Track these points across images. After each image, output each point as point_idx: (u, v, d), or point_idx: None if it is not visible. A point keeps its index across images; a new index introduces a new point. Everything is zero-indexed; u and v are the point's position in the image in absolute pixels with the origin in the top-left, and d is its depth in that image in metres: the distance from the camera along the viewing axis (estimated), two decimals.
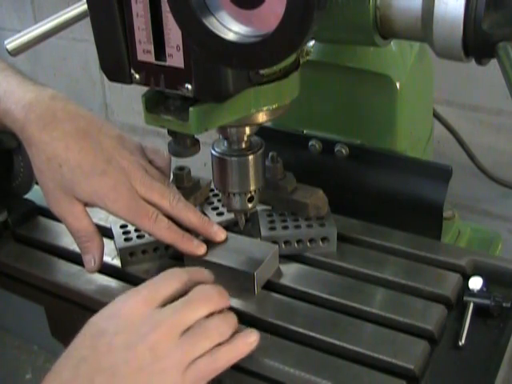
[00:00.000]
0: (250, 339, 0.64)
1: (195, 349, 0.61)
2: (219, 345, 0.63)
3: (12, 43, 0.82)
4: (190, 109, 0.63)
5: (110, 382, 0.59)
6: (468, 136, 1.14)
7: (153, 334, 0.60)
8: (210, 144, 0.75)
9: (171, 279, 0.66)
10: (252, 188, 0.75)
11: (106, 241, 0.77)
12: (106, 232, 0.81)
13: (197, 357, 0.61)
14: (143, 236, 0.79)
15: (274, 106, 0.68)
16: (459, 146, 1.14)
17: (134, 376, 0.59)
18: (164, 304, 0.63)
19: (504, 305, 0.70)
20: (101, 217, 0.83)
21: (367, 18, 0.65)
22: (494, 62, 0.61)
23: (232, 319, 0.65)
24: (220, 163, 0.75)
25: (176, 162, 0.80)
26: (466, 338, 0.68)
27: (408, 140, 0.88)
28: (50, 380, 0.60)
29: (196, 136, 0.69)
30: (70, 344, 0.62)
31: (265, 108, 0.68)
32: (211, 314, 0.65)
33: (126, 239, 0.79)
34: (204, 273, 0.70)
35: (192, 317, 0.63)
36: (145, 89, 0.66)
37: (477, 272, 0.75)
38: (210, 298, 0.65)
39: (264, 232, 0.79)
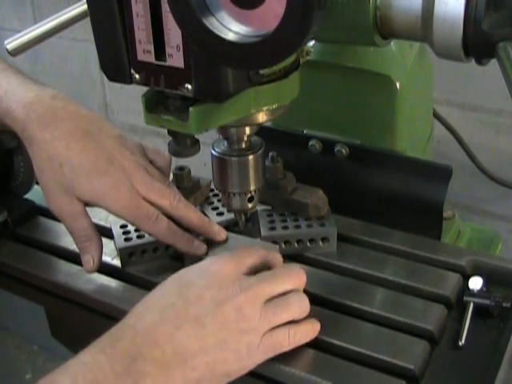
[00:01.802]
0: (317, 326, 0.68)
1: (275, 318, 0.64)
2: (294, 322, 0.66)
3: (12, 43, 0.82)
4: (190, 109, 0.63)
5: (195, 330, 0.61)
6: (468, 136, 1.14)
7: (240, 297, 0.63)
8: (210, 144, 0.75)
9: (253, 254, 0.69)
10: (252, 188, 0.75)
11: (105, 241, 0.77)
12: (105, 232, 0.81)
13: (275, 326, 0.64)
14: (143, 236, 0.79)
15: (274, 106, 0.68)
16: (459, 146, 1.14)
17: (219, 330, 0.62)
18: (249, 274, 0.66)
19: (504, 305, 0.70)
20: (101, 217, 0.83)
21: (367, 18, 0.65)
22: (493, 62, 0.61)
23: (307, 300, 0.68)
24: (220, 163, 0.75)
25: (176, 162, 0.80)
26: (466, 338, 0.68)
27: (408, 140, 0.88)
28: (135, 320, 0.61)
29: (196, 136, 0.69)
30: (151, 292, 0.64)
31: (265, 108, 0.68)
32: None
33: (126, 239, 0.79)
34: (278, 255, 0.72)
35: (276, 289, 0.66)
36: (145, 89, 0.66)
37: (477, 272, 0.75)
38: (295, 275, 0.68)
39: (264, 232, 0.79)
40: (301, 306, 0.67)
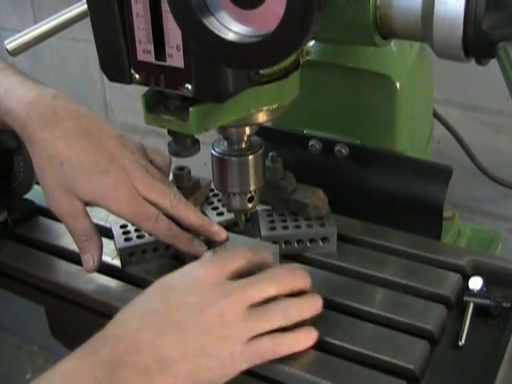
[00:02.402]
0: (312, 336, 0.66)
1: (257, 326, 0.63)
2: (284, 330, 0.64)
3: (12, 43, 0.82)
4: (190, 109, 0.63)
5: (177, 337, 0.60)
6: (468, 136, 1.14)
7: (222, 302, 0.62)
8: (210, 144, 0.75)
9: (239, 257, 0.68)
10: (252, 188, 0.75)
11: (105, 241, 0.77)
12: (105, 232, 0.81)
13: (260, 334, 0.63)
14: (143, 236, 0.79)
15: (274, 106, 0.68)
16: (459, 146, 1.14)
17: (200, 337, 0.61)
18: (233, 278, 0.65)
19: (504, 305, 0.70)
20: (101, 217, 0.83)
21: (367, 18, 0.65)
22: (493, 62, 0.61)
23: (310, 304, 0.67)
24: (220, 163, 0.75)
25: (176, 162, 0.80)
26: (466, 338, 0.68)
27: (408, 140, 0.88)
28: (113, 329, 0.61)
29: (196, 136, 0.69)
30: (135, 298, 0.64)
31: (265, 108, 0.68)
32: (297, 295, 0.67)
33: (126, 239, 0.79)
34: (267, 256, 0.71)
35: (260, 294, 0.64)
36: (145, 89, 0.66)
37: (477, 272, 0.75)
38: (280, 279, 0.66)
39: (264, 232, 0.79)
40: (285, 314, 0.64)
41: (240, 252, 0.69)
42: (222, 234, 0.76)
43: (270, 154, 0.81)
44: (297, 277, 0.68)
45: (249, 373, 0.65)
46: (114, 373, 0.58)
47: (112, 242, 0.80)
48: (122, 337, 0.60)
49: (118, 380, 0.58)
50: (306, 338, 0.65)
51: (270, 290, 0.65)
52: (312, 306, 0.67)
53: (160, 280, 0.66)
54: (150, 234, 0.76)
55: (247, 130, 0.73)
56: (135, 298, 0.64)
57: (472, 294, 0.72)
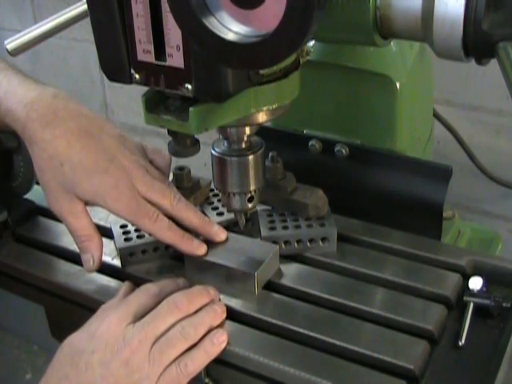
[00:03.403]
0: (218, 340, 0.67)
1: (163, 359, 0.65)
2: (190, 348, 0.66)
3: (12, 43, 0.82)
4: (190, 109, 0.63)
5: None
6: (468, 136, 1.14)
7: (125, 351, 0.64)
8: (210, 144, 0.75)
9: (140, 295, 0.70)
10: (252, 188, 0.75)
11: (105, 241, 0.77)
12: (105, 232, 0.81)
13: (167, 365, 0.65)
14: (143, 236, 0.79)
15: (273, 106, 0.68)
16: (459, 146, 1.14)
17: None
18: (136, 319, 0.67)
19: (504, 305, 0.70)
20: (101, 217, 0.83)
21: (367, 18, 0.65)
22: (493, 62, 0.61)
23: (204, 318, 0.68)
24: (220, 163, 0.75)
25: (176, 162, 0.80)
26: (466, 338, 0.68)
27: (408, 140, 0.88)
28: None
29: (196, 136, 0.69)
30: (50, 362, 0.66)
31: (265, 108, 0.68)
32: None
33: (126, 239, 0.79)
34: (177, 282, 0.73)
35: (160, 328, 0.66)
36: (145, 89, 0.66)
37: (477, 272, 0.75)
38: (177, 305, 0.68)
39: (264, 232, 0.79)
40: (184, 334, 0.66)
41: (145, 290, 0.70)
42: (221, 234, 0.77)
43: (270, 154, 0.81)
44: (193, 297, 0.69)
45: (249, 372, 0.65)
46: None
47: (112, 241, 0.80)
48: None
49: None
50: (213, 345, 0.67)
51: (169, 320, 0.67)
52: (208, 316, 0.68)
53: (68, 342, 0.67)
54: (150, 234, 0.76)
55: (247, 129, 0.73)
56: (50, 363, 0.66)
57: (472, 294, 0.72)
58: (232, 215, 0.81)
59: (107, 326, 0.66)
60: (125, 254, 0.78)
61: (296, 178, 0.82)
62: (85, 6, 0.82)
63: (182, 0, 0.53)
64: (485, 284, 0.72)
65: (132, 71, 0.64)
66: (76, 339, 0.67)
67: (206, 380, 0.69)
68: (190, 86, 0.61)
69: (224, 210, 0.84)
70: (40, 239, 0.85)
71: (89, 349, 0.65)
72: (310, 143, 0.90)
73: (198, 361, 0.66)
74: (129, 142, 0.77)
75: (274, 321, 0.70)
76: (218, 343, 0.67)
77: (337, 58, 0.84)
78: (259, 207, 0.81)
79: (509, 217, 1.27)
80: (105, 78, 0.66)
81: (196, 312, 0.69)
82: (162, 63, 0.62)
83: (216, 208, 0.85)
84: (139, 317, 0.67)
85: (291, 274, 0.77)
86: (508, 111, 1.18)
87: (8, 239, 0.87)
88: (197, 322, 0.67)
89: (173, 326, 0.67)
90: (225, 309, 0.70)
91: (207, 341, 0.67)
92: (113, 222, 0.81)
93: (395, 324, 0.69)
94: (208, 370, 0.68)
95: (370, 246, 0.81)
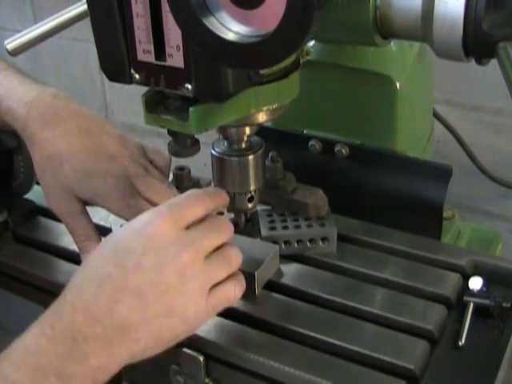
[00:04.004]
0: (242, 277, 0.67)
1: (217, 274, 0.63)
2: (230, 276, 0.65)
3: (12, 43, 0.82)
4: (190, 109, 0.63)
5: (135, 302, 0.59)
6: (468, 136, 1.14)
7: (181, 257, 0.60)
8: (210, 144, 0.75)
9: (197, 204, 0.65)
10: (252, 188, 0.75)
11: None
12: (106, 232, 0.80)
13: (217, 283, 0.63)
14: None
15: (274, 106, 0.68)
16: (459, 146, 1.14)
17: (162, 298, 0.59)
18: (188, 226, 0.63)
19: (504, 305, 0.70)
20: (101, 217, 0.83)
21: (367, 18, 0.65)
22: (493, 61, 0.61)
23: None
24: (220, 163, 0.75)
25: (176, 162, 0.80)
26: (466, 338, 0.68)
27: (408, 140, 0.88)
28: (73, 295, 0.59)
29: (196, 136, 0.69)
30: (89, 259, 0.62)
31: (265, 108, 0.68)
32: None
33: None
34: (223, 196, 0.71)
35: (215, 242, 0.64)
36: (145, 89, 0.66)
37: (477, 272, 0.75)
38: (227, 226, 0.66)
39: (264, 232, 0.79)
40: (237, 259, 0.65)
41: (201, 201, 0.65)
42: None
43: (270, 154, 0.81)
44: (231, 225, 0.67)
45: (248, 372, 0.65)
46: (74, 346, 0.56)
47: None
48: (78, 307, 0.58)
49: (80, 353, 0.56)
50: (243, 281, 0.66)
51: (222, 238, 0.64)
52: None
53: (111, 238, 0.63)
54: None
55: (247, 129, 0.73)
56: (88, 258, 0.62)
57: (472, 294, 0.72)
58: (232, 215, 0.81)
59: (159, 227, 0.61)
60: None
61: (296, 178, 0.82)
62: (85, 6, 0.82)
63: (182, 0, 0.53)
64: (485, 284, 0.72)
65: (132, 71, 0.64)
66: (120, 236, 0.63)
67: (206, 380, 0.69)
68: (190, 86, 0.61)
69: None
70: (40, 239, 0.85)
71: (138, 249, 0.60)
72: (310, 143, 0.90)
73: (240, 288, 0.65)
74: (128, 141, 0.77)
75: (274, 321, 0.70)
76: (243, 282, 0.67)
77: (337, 58, 0.84)
78: (259, 207, 0.81)
79: (509, 217, 1.27)
80: (105, 78, 0.66)
81: None
82: (162, 63, 0.62)
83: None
84: (188, 223, 0.63)
85: (291, 273, 0.77)
86: (508, 111, 1.18)
87: (8, 239, 0.87)
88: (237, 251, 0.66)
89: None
90: None
91: (239, 275, 0.66)
92: (113, 222, 0.81)
93: (395, 324, 0.69)
94: (208, 369, 0.68)
95: (370, 246, 0.81)
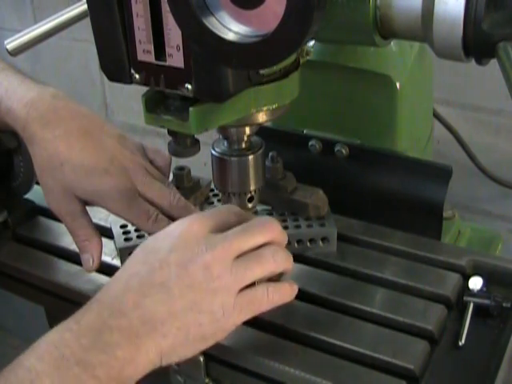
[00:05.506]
0: (294, 286, 0.65)
1: (248, 273, 0.61)
2: (269, 280, 0.63)
3: (12, 43, 0.82)
4: (190, 109, 0.63)
5: (162, 295, 0.59)
6: (468, 136, 1.14)
7: (207, 255, 0.60)
8: (210, 144, 0.75)
9: (230, 213, 0.66)
10: (252, 188, 0.75)
11: (105, 241, 0.77)
12: (105, 232, 0.81)
13: (248, 284, 0.62)
14: (143, 236, 0.79)
15: (273, 106, 0.68)
16: (459, 146, 1.14)
17: (186, 293, 0.59)
18: (216, 232, 0.63)
19: (504, 305, 0.70)
20: (101, 217, 0.83)
21: (367, 18, 0.65)
22: (493, 62, 0.61)
23: (288, 253, 0.65)
24: (220, 163, 0.75)
25: (176, 162, 0.80)
26: (466, 338, 0.68)
27: (408, 140, 0.88)
28: (101, 293, 0.61)
29: (196, 136, 0.69)
30: (121, 267, 0.63)
31: (265, 108, 0.68)
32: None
33: (126, 239, 0.79)
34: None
35: (247, 243, 0.62)
36: (145, 89, 0.66)
37: (477, 272, 0.75)
38: (268, 227, 0.64)
39: None
40: (275, 258, 0.63)
41: (230, 208, 0.67)
42: None
43: (270, 154, 0.81)
44: (277, 226, 0.65)
45: (249, 372, 0.65)
46: (99, 338, 0.57)
47: (112, 241, 0.80)
48: (105, 302, 0.59)
49: (105, 344, 0.57)
50: (292, 290, 0.65)
51: (257, 239, 0.63)
52: (289, 258, 0.66)
53: (144, 242, 0.64)
54: (150, 234, 0.76)
55: (247, 129, 0.73)
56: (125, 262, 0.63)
57: (472, 294, 0.72)
58: None
59: (189, 228, 0.62)
60: (125, 254, 0.78)
61: (296, 178, 0.82)
62: (85, 6, 0.82)
63: (182, 0, 0.54)
64: (485, 284, 0.72)
65: (132, 71, 0.64)
66: (151, 240, 0.64)
67: (206, 380, 0.69)
68: (190, 86, 0.61)
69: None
70: (40, 239, 0.85)
71: (165, 247, 0.61)
72: (310, 143, 0.90)
73: (281, 296, 0.64)
74: (129, 142, 0.77)
75: (274, 321, 0.70)
76: (294, 291, 0.65)
77: (337, 57, 0.84)
78: (259, 207, 0.81)
79: (509, 217, 1.27)
80: (105, 78, 0.66)
81: None
82: (162, 63, 0.62)
83: None
84: (222, 230, 0.63)
85: (291, 273, 0.76)
86: (508, 111, 1.18)
87: (8, 239, 0.87)
88: (287, 253, 0.65)
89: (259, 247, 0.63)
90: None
91: (289, 283, 0.65)
92: (113, 222, 0.81)
93: (395, 324, 0.69)
94: (208, 369, 0.68)
95: (370, 246, 0.81)
